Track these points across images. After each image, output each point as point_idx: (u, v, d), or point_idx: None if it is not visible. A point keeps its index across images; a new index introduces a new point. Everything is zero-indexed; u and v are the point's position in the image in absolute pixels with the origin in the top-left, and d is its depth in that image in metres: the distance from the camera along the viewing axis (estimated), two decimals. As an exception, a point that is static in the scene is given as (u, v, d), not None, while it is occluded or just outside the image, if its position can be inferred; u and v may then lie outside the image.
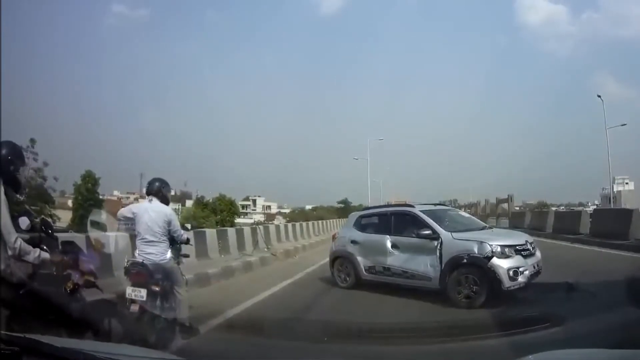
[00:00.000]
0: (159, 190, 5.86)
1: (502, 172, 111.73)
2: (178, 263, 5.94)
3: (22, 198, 3.63)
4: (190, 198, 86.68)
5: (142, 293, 5.15)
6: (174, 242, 5.85)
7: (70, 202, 46.05)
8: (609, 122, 37.85)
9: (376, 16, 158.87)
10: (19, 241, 3.19)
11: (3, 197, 3.14)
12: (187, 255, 6.60)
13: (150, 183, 5.97)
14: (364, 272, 9.38)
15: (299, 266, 14.01)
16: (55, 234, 3.88)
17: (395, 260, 8.73)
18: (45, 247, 3.48)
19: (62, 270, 3.39)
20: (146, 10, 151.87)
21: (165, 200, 5.88)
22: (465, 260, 7.71)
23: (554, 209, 39.81)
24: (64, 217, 38.42)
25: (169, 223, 5.69)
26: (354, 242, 9.76)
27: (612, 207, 38.36)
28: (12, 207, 3.25)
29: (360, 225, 10.00)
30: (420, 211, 8.87)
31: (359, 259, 9.49)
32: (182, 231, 6.01)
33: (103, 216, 6.74)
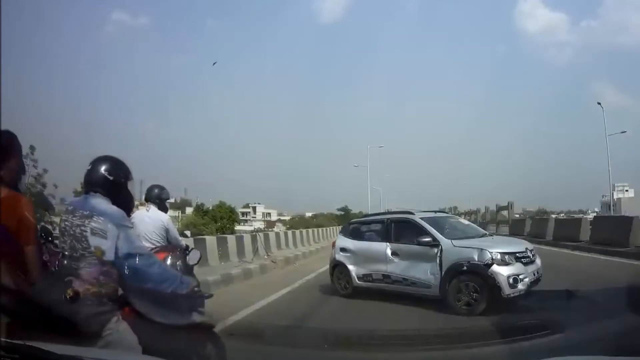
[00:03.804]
0: (157, 197, 5.86)
1: (502, 180, 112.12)
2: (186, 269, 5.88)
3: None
4: (190, 205, 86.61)
5: None
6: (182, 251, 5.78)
7: (70, 210, 46.06)
8: (609, 129, 37.85)
9: (376, 25, 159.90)
10: None
11: None
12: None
13: (149, 190, 5.98)
14: (356, 280, 9.39)
15: (298, 273, 13.99)
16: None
17: (395, 267, 8.72)
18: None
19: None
20: (147, 18, 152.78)
21: (163, 207, 5.88)
22: (465, 268, 7.70)
23: (554, 216, 39.76)
24: (64, 224, 38.34)
25: (166, 230, 5.68)
26: (343, 250, 9.84)
27: (612, 214, 38.27)
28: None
29: (356, 234, 10.03)
30: (420, 218, 8.87)
31: (350, 267, 9.52)
32: (181, 238, 6.00)
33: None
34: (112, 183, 2.88)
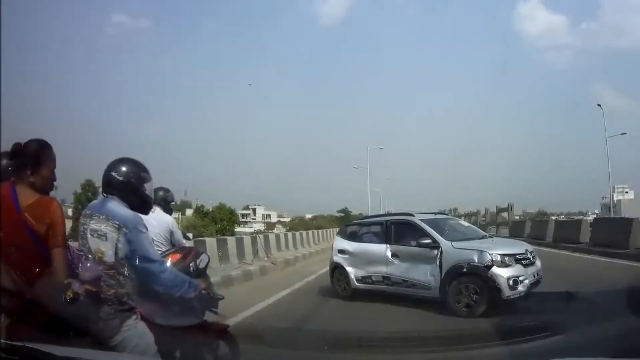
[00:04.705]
0: (162, 199, 5.86)
1: (502, 181, 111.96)
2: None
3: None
4: (190, 207, 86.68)
5: None
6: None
7: (70, 212, 46.10)
8: (609, 131, 37.77)
9: (376, 27, 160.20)
10: None
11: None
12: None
13: (154, 192, 5.97)
14: (355, 282, 9.40)
15: (298, 275, 13.99)
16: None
17: (395, 269, 8.71)
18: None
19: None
20: (147, 21, 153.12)
21: (168, 210, 5.88)
22: (465, 270, 7.70)
23: (553, 218, 39.67)
24: (64, 226, 38.34)
25: (171, 233, 5.68)
26: (342, 252, 9.88)
27: (612, 216, 38.23)
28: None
29: (354, 236, 10.06)
30: (420, 220, 8.86)
31: (349, 269, 9.54)
32: (184, 240, 6.00)
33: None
34: (127, 185, 2.90)
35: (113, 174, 2.90)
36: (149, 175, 3.03)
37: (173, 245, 5.74)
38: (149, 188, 3.04)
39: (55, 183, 3.00)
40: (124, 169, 2.93)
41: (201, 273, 4.35)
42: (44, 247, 2.72)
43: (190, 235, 9.47)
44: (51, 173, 2.96)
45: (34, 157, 2.86)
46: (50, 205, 2.82)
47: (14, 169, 2.84)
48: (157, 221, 5.67)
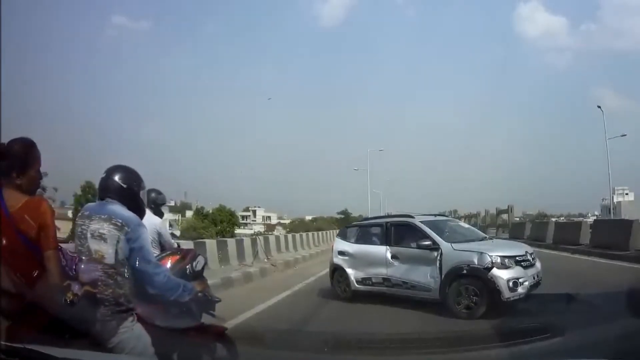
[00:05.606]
0: (153, 201, 5.84)
1: (502, 183, 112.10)
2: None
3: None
4: (190, 209, 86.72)
5: None
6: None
7: (70, 213, 46.10)
8: (609, 132, 37.75)
9: (376, 28, 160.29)
10: None
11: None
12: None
13: (146, 193, 5.96)
14: (355, 284, 9.40)
15: (298, 277, 13.98)
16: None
17: (395, 270, 8.71)
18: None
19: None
20: (147, 21, 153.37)
21: (158, 212, 5.86)
22: (465, 271, 7.69)
23: (554, 219, 39.67)
24: (64, 228, 38.36)
25: (159, 234, 5.67)
26: (341, 253, 9.90)
27: (612, 217, 38.22)
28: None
29: (354, 237, 10.07)
30: (420, 222, 8.86)
31: (349, 270, 9.55)
32: (173, 240, 5.99)
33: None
34: (126, 191, 2.97)
35: (113, 178, 2.97)
36: (143, 183, 3.13)
37: (162, 246, 5.72)
38: (142, 195, 3.12)
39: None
40: (123, 175, 3.01)
41: (198, 275, 4.37)
42: (37, 249, 2.70)
43: (177, 232, 9.43)
44: (37, 173, 2.93)
45: (19, 159, 2.81)
46: (40, 206, 2.79)
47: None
48: (147, 222, 5.65)
